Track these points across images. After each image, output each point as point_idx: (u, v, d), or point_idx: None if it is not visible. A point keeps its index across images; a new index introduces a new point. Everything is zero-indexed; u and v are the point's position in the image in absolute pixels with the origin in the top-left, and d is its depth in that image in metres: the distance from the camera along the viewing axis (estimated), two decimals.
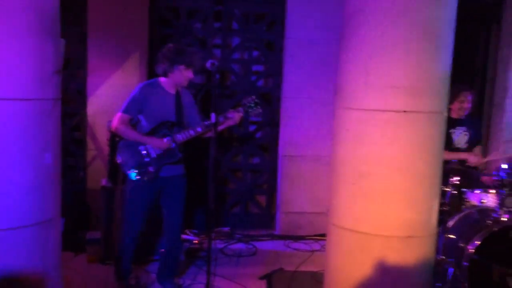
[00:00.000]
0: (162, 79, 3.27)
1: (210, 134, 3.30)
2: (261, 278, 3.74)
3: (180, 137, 3.21)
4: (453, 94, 4.00)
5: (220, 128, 3.21)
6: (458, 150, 4.10)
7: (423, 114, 2.48)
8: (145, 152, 3.19)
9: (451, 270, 3.41)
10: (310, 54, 4.62)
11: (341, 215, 2.61)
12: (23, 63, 2.09)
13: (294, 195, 4.73)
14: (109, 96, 4.43)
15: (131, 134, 3.21)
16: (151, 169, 3.19)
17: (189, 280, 3.63)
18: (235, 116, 3.29)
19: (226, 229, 4.70)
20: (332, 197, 2.69)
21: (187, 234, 4.45)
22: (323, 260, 3.36)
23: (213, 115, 2.91)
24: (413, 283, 2.54)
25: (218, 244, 4.28)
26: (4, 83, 2.06)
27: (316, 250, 4.36)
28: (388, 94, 2.46)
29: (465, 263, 3.26)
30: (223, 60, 4.78)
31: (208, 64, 2.88)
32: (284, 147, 4.75)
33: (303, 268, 3.93)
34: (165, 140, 3.18)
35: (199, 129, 3.22)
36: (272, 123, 4.93)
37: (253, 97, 3.37)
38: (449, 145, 3.85)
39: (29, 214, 2.16)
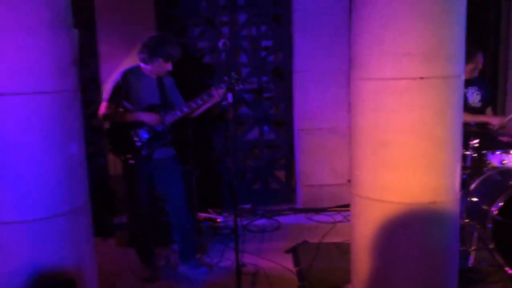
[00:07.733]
0: (142, 65, 3.31)
1: (195, 114, 3.40)
2: (287, 251, 3.81)
3: (168, 118, 3.26)
4: (469, 56, 3.97)
5: (204, 107, 3.31)
6: (474, 109, 4.07)
7: (440, 80, 2.45)
8: (135, 136, 3.24)
9: (476, 233, 3.43)
10: (319, 25, 4.55)
11: (364, 186, 2.62)
12: (40, 57, 2.11)
13: (313, 168, 4.75)
14: None
15: (121, 115, 3.25)
16: (144, 152, 3.24)
17: (216, 258, 3.71)
18: (217, 94, 3.27)
19: (248, 206, 4.76)
20: (354, 168, 2.69)
21: (210, 213, 4.52)
22: (346, 231, 3.40)
23: (230, 95, 2.94)
24: (441, 248, 2.56)
25: (242, 221, 4.34)
26: (24, 78, 2.09)
27: (339, 222, 4.39)
28: (404, 62, 2.42)
29: (490, 225, 3.27)
30: (232, 37, 4.75)
31: (220, 44, 2.90)
32: (300, 121, 4.75)
33: (327, 240, 3.98)
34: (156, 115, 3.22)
35: (185, 109, 3.28)
36: (285, 97, 4.92)
37: (233, 73, 3.35)
38: (465, 105, 3.83)
39: (61, 202, 2.20)
